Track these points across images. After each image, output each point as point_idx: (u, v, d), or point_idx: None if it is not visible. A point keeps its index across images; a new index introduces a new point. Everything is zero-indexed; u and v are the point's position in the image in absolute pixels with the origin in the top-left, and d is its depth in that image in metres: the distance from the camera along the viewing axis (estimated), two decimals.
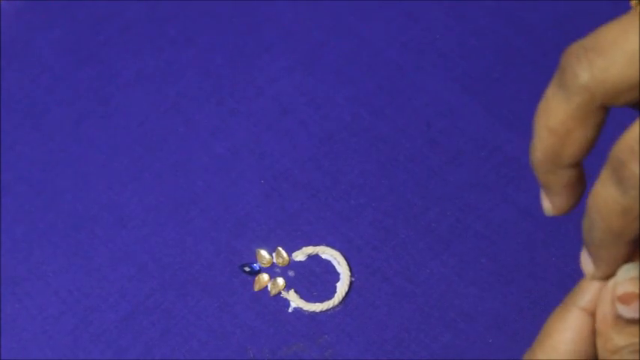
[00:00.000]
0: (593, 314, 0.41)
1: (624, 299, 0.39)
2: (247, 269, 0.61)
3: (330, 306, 0.60)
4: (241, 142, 0.66)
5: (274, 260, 0.61)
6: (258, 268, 0.61)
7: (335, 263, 0.61)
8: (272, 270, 0.61)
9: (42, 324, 0.61)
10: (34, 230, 0.64)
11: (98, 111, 0.68)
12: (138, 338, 0.60)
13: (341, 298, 0.60)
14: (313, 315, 0.60)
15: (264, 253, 0.62)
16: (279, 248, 0.62)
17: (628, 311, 0.39)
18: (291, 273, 0.61)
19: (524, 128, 0.64)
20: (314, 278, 0.61)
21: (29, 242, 0.63)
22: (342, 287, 0.60)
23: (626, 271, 0.40)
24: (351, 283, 0.60)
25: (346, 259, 0.61)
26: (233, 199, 0.64)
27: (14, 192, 0.65)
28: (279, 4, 0.71)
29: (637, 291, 0.39)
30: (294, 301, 0.60)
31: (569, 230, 0.61)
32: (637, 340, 0.39)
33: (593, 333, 0.41)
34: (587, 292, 0.41)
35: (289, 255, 0.61)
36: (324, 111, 0.66)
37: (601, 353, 0.40)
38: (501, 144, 0.64)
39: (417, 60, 0.68)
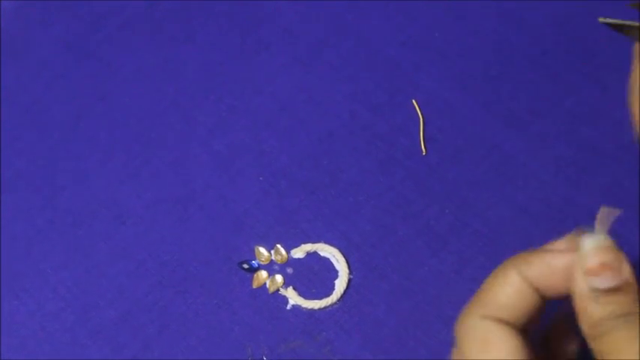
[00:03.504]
0: (535, 288, 0.42)
1: (593, 271, 0.40)
2: (246, 266, 0.61)
3: (329, 303, 0.60)
4: (240, 139, 0.66)
5: (273, 257, 0.61)
6: (256, 265, 0.61)
7: (333, 260, 0.61)
8: (270, 267, 0.61)
9: (40, 320, 0.61)
10: (32, 227, 0.64)
11: (97, 108, 0.68)
12: (136, 335, 0.60)
13: (339, 295, 0.60)
14: (311, 312, 0.60)
15: (262, 250, 0.62)
16: (278, 245, 0.62)
17: (600, 282, 0.40)
18: (289, 270, 0.61)
19: (523, 126, 0.64)
20: (312, 275, 0.61)
21: (28, 239, 0.63)
22: (340, 284, 0.60)
23: (588, 243, 0.41)
24: (349, 280, 0.60)
25: (345, 257, 0.61)
26: (231, 196, 0.64)
27: (13, 188, 0.65)
28: (278, 2, 0.71)
29: (603, 260, 0.40)
30: (293, 298, 0.60)
31: (566, 228, 0.61)
32: (615, 307, 0.40)
33: (530, 303, 0.42)
34: (536, 265, 0.42)
35: (288, 252, 0.61)
36: (322, 108, 0.67)
37: (585, 330, 0.41)
38: (500, 142, 0.64)
39: (415, 58, 0.68)
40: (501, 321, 0.43)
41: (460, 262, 0.60)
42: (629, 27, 0.40)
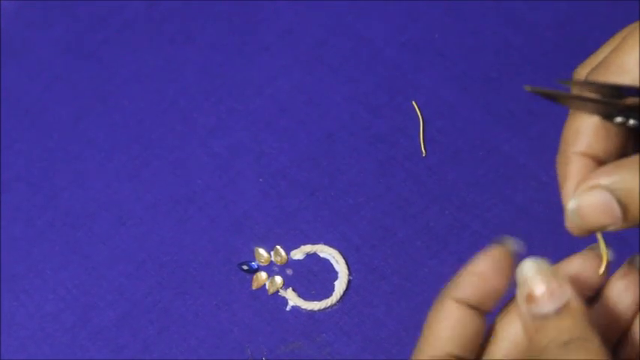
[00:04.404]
0: (470, 306, 0.41)
1: (530, 299, 0.40)
2: (245, 267, 0.61)
3: (328, 304, 0.60)
4: (240, 140, 0.66)
5: (272, 259, 0.61)
6: (256, 266, 0.61)
7: (333, 262, 0.61)
8: (270, 268, 0.61)
9: (40, 321, 0.61)
10: (32, 228, 0.64)
11: (97, 109, 0.68)
12: (136, 336, 0.60)
13: (339, 296, 0.60)
14: (311, 313, 0.60)
15: (262, 251, 0.62)
16: (278, 247, 0.62)
17: (537, 308, 0.39)
18: (289, 271, 0.61)
19: (522, 128, 0.64)
20: (312, 277, 0.61)
21: (28, 240, 0.63)
22: (340, 286, 0.60)
23: (520, 272, 0.40)
24: (349, 281, 0.60)
25: (344, 258, 0.61)
26: (231, 198, 0.64)
27: (13, 190, 0.65)
28: (278, 3, 0.71)
29: (534, 289, 0.40)
30: (292, 299, 0.60)
31: (565, 229, 0.61)
32: (557, 333, 0.39)
33: (479, 325, 0.41)
34: (465, 284, 0.41)
35: (287, 253, 0.61)
36: (322, 110, 0.66)
37: (534, 357, 0.40)
38: (499, 143, 0.64)
39: (415, 59, 0.68)
40: (452, 356, 0.42)
41: (460, 263, 0.60)
42: (562, 97, 0.40)
